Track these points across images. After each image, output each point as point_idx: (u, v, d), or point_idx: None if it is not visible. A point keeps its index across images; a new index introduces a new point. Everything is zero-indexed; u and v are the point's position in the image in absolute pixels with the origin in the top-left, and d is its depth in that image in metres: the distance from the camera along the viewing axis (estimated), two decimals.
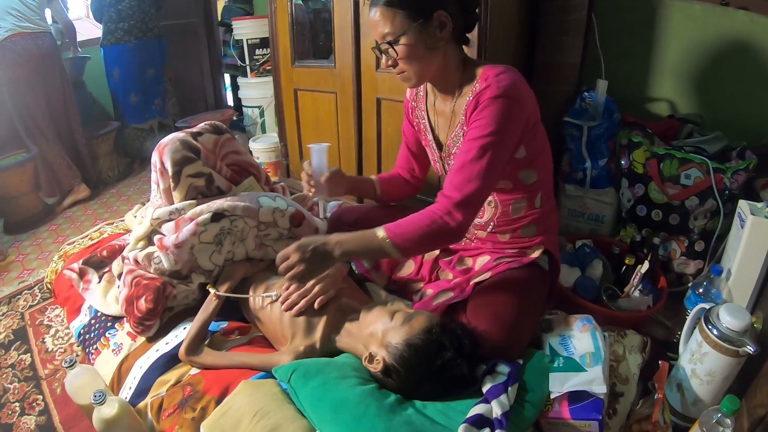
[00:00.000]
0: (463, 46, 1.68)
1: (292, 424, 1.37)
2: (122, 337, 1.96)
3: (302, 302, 1.69)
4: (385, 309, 1.57)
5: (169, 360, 1.79)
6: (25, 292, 2.90)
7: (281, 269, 1.51)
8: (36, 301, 2.79)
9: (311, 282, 1.71)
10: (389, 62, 1.59)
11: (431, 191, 2.22)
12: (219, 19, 5.38)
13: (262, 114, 4.55)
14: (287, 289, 1.75)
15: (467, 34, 1.67)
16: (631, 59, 2.56)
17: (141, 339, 1.92)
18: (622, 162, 2.42)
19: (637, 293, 2.05)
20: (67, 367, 1.67)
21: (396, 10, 1.50)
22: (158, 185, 2.06)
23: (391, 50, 1.55)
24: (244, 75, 4.54)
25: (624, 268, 2.15)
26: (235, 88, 4.99)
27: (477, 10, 1.68)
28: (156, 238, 1.99)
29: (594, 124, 2.45)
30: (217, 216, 1.89)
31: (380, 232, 1.50)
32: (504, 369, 1.43)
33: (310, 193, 1.92)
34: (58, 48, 3.98)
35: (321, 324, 1.68)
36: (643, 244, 2.34)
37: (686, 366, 1.57)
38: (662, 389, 1.44)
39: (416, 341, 1.41)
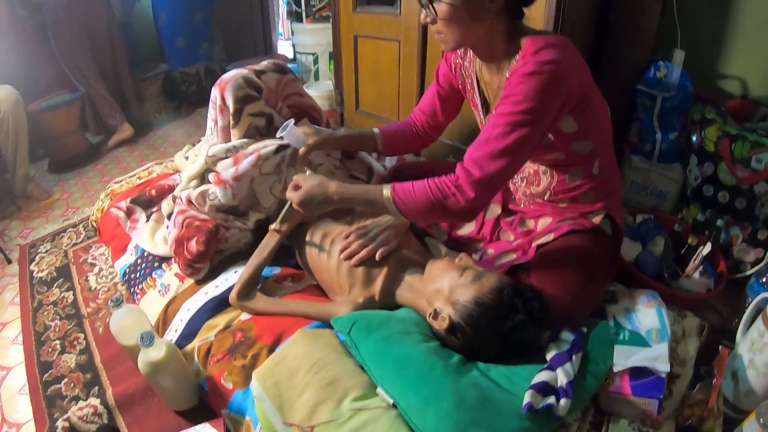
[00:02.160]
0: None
1: (352, 379, 1.32)
2: (170, 278, 1.92)
3: (363, 252, 1.63)
4: (453, 264, 1.49)
5: (219, 304, 1.74)
6: (70, 230, 2.90)
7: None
8: (80, 239, 2.78)
9: (373, 232, 1.65)
10: (428, 18, 1.43)
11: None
12: None
13: (316, 61, 4.49)
14: (347, 237, 1.69)
15: (524, 8, 1.48)
16: (707, 31, 2.42)
17: (189, 281, 1.88)
18: (694, 138, 2.33)
19: (697, 275, 1.98)
20: (112, 307, 1.64)
21: None
22: (216, 122, 2.01)
23: (432, 7, 1.39)
24: (299, 20, 4.47)
25: (686, 248, 2.08)
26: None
27: None
28: (211, 175, 1.94)
29: (668, 95, 2.34)
30: (280, 147, 1.85)
31: (386, 190, 1.44)
32: (568, 337, 1.38)
33: None
34: None
35: (381, 276, 1.61)
36: (705, 226, 2.24)
37: (744, 355, 1.49)
38: (721, 375, 1.40)
39: (486, 300, 1.35)
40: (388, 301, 1.60)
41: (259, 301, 1.66)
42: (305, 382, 1.30)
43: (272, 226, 1.72)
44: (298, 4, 4.37)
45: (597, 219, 1.65)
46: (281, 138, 1.77)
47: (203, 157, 1.99)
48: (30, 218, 3.15)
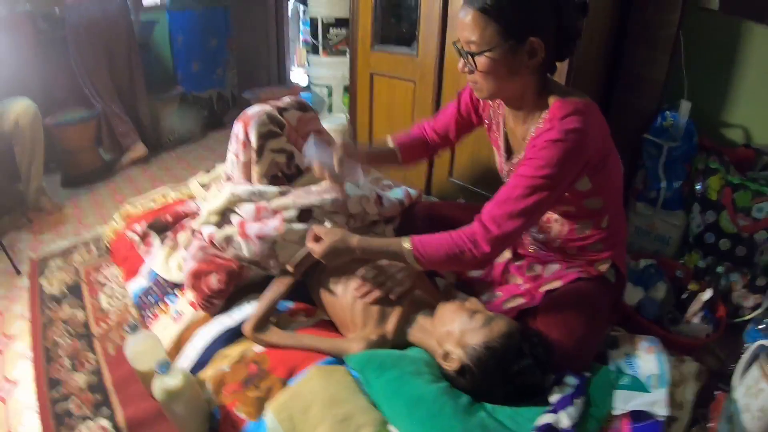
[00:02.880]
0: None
1: (365, 415, 1.37)
2: (183, 304, 1.96)
3: (378, 291, 1.68)
4: (463, 307, 1.55)
5: (232, 334, 1.79)
6: (81, 247, 2.90)
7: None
8: (92, 258, 2.78)
9: (389, 271, 1.71)
10: (466, 68, 1.49)
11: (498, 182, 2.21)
12: None
13: (330, 94, 4.55)
14: (363, 275, 1.74)
15: (557, 63, 1.55)
16: (712, 81, 2.49)
17: None
18: (697, 187, 2.39)
19: (697, 320, 2.03)
20: (129, 332, 1.68)
21: (489, 21, 1.37)
22: (237, 156, 2.05)
23: (471, 59, 1.44)
24: (315, 53, 4.53)
25: (687, 293, 2.13)
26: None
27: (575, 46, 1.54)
28: (236, 221, 1.97)
29: (674, 145, 2.41)
30: (305, 215, 1.89)
31: (406, 243, 1.52)
32: (572, 381, 1.43)
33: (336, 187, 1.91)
34: (127, 11, 4.03)
35: (395, 315, 1.66)
36: (706, 272, 2.31)
37: (740, 400, 1.51)
38: (716, 419, 1.46)
39: (496, 345, 1.40)
40: (400, 340, 1.65)
41: (273, 335, 1.71)
42: (319, 417, 1.35)
43: (287, 267, 1.78)
44: (316, 37, 4.43)
45: (603, 267, 1.71)
46: (310, 159, 1.80)
47: (226, 194, 2.02)
48: (40, 232, 3.15)
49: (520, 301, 1.72)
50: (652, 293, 2.14)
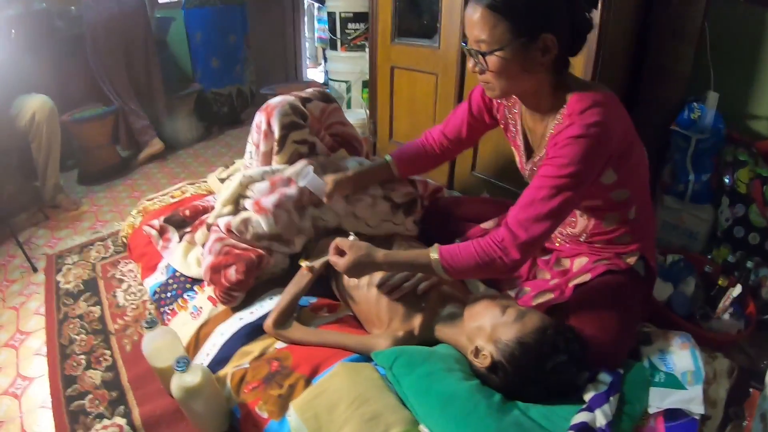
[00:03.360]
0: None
1: (394, 414, 1.32)
2: (202, 300, 1.92)
3: (405, 286, 1.64)
4: (495, 302, 1.50)
5: (253, 330, 1.75)
6: (98, 243, 2.90)
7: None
8: (108, 254, 2.78)
9: None
10: (477, 68, 1.45)
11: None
12: None
13: (349, 89, 4.52)
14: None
15: (570, 58, 1.50)
16: (739, 73, 2.45)
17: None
18: (726, 179, 2.35)
19: (727, 316, 2.00)
20: (146, 328, 1.64)
21: (500, 18, 1.33)
22: (258, 147, 2.04)
23: (482, 58, 1.39)
24: (334, 48, 4.51)
25: (716, 289, 2.10)
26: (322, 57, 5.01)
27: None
28: (249, 202, 1.95)
29: (702, 136, 2.37)
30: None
31: (434, 254, 1.48)
32: (606, 378, 1.41)
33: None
34: (144, 8, 4.04)
35: (421, 310, 1.62)
36: (735, 267, 2.27)
37: None
38: (752, 417, 1.43)
39: (529, 340, 1.36)
40: (427, 336, 1.61)
41: (295, 331, 1.66)
42: (346, 416, 1.30)
43: (305, 264, 1.73)
44: (334, 32, 4.41)
45: (631, 260, 1.67)
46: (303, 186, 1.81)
47: (238, 180, 2.01)
48: (57, 228, 3.16)
49: (550, 296, 1.67)
50: (681, 288, 2.10)
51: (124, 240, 2.54)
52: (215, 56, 4.73)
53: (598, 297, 1.58)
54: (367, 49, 3.74)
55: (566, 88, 1.46)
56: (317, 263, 1.70)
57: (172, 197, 2.61)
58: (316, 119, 2.14)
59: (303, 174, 1.79)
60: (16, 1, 3.59)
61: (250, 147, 2.13)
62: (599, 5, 1.46)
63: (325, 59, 4.75)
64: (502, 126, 1.82)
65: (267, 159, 2.03)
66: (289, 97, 2.04)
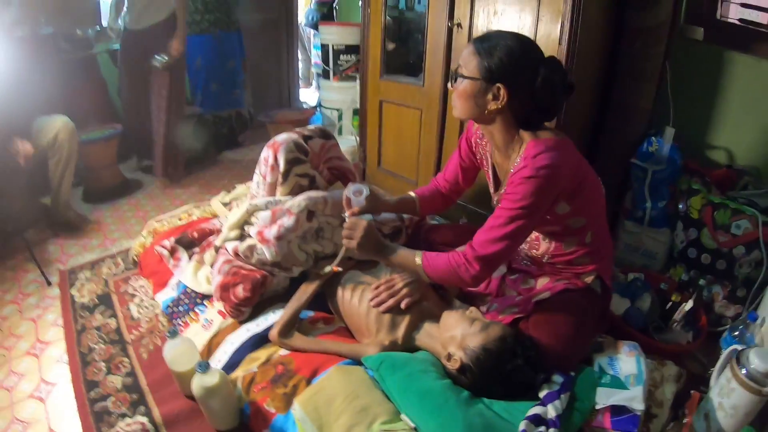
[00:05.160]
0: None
1: (380, 406, 1.63)
2: (212, 314, 2.19)
3: (390, 301, 1.94)
4: (464, 316, 1.81)
5: (259, 339, 2.03)
6: (108, 260, 3.03)
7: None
8: (119, 270, 2.91)
9: (400, 284, 1.96)
10: (451, 87, 1.76)
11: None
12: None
13: (340, 117, 4.75)
14: (377, 288, 1.99)
15: (532, 122, 1.75)
16: (697, 107, 2.70)
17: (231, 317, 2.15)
18: (680, 206, 2.57)
19: (679, 328, 2.24)
20: (169, 337, 1.88)
21: (477, 56, 1.65)
22: (265, 178, 2.31)
23: (455, 79, 1.72)
24: (327, 78, 4.74)
25: (670, 304, 2.32)
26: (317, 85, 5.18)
27: (554, 113, 1.79)
28: (254, 229, 2.21)
29: (658, 168, 2.60)
30: (311, 214, 2.16)
31: (418, 258, 1.79)
32: (558, 379, 1.68)
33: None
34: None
35: (404, 322, 1.92)
36: (689, 284, 2.51)
37: (714, 398, 1.72)
38: (691, 415, 1.69)
39: (492, 347, 1.66)
40: (409, 344, 1.92)
41: (297, 340, 1.97)
42: (341, 408, 1.60)
43: (328, 269, 2.09)
44: (327, 63, 4.64)
45: (589, 279, 1.92)
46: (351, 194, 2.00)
47: (245, 207, 2.28)
48: (67, 245, 3.30)
49: (514, 310, 1.92)
50: (638, 304, 2.32)
51: (135, 258, 2.75)
52: (215, 81, 4.95)
53: (555, 309, 1.83)
54: (358, 80, 3.97)
55: (523, 136, 1.74)
56: (338, 260, 2.03)
57: (180, 219, 2.86)
58: (316, 155, 2.43)
59: (356, 191, 1.98)
60: (23, 24, 3.65)
61: (257, 178, 2.41)
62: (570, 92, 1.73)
63: (319, 87, 4.95)
64: (478, 161, 2.08)
65: (272, 189, 2.33)
66: (293, 135, 2.34)
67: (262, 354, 1.97)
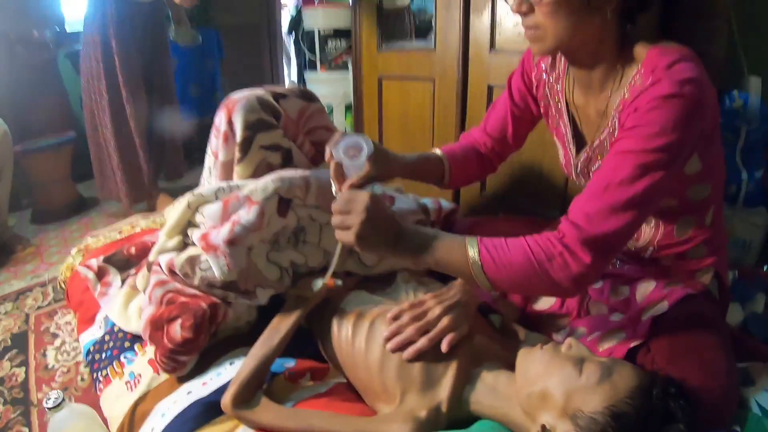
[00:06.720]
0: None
1: None
2: (141, 365, 1.33)
3: (423, 340, 1.06)
4: (561, 354, 0.95)
5: (207, 409, 1.14)
6: (37, 288, 2.38)
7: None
8: (47, 302, 2.27)
9: (436, 311, 1.10)
10: (523, 7, 1.03)
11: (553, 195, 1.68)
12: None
13: (330, 113, 4.03)
14: (397, 317, 1.11)
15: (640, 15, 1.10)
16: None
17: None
18: None
19: None
20: (50, 408, 1.16)
21: None
22: (216, 156, 1.49)
23: None
24: (313, 69, 4.05)
25: None
26: (301, 83, 4.53)
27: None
28: (197, 234, 1.35)
29: (752, 127, 1.96)
30: (284, 205, 1.30)
31: (472, 249, 1.00)
32: None
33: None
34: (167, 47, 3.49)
35: (449, 375, 1.03)
36: None
37: None
38: None
39: (627, 409, 0.85)
40: (460, 413, 1.03)
41: (265, 410, 1.06)
42: None
43: (319, 284, 1.24)
44: (313, 51, 3.94)
45: (706, 279, 1.24)
46: (341, 155, 1.15)
47: (185, 201, 1.43)
48: None
49: (622, 336, 1.18)
50: (749, 308, 1.68)
51: (62, 285, 1.94)
52: (193, 83, 4.23)
53: (687, 331, 1.11)
54: (350, 67, 3.28)
55: (633, 44, 1.07)
56: (333, 267, 1.16)
57: (120, 233, 2.02)
58: (293, 121, 1.58)
59: (345, 146, 1.14)
60: None
61: (209, 160, 1.58)
62: None
63: (304, 81, 4.26)
64: (542, 109, 1.37)
65: (227, 170, 1.48)
66: (258, 90, 1.50)
67: None
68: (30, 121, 3.30)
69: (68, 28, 3.94)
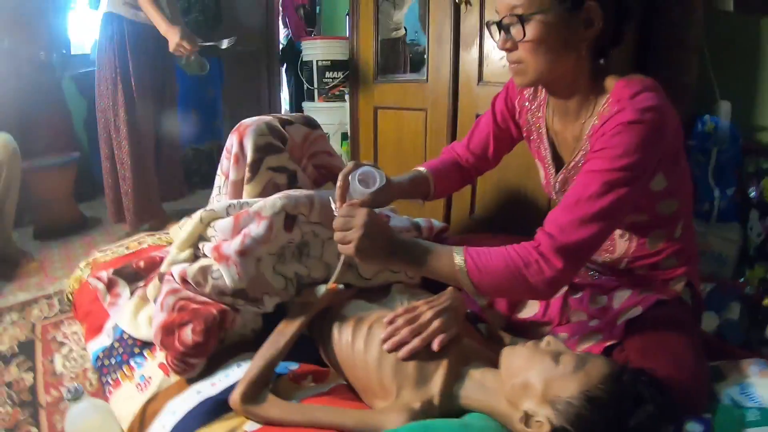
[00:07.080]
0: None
1: None
2: (152, 368, 1.40)
3: (416, 341, 1.14)
4: (541, 349, 1.04)
5: (216, 407, 1.21)
6: (42, 300, 2.39)
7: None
8: (53, 313, 2.28)
9: (428, 315, 1.18)
10: (508, 44, 1.15)
11: (537, 216, 1.75)
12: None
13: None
14: (392, 322, 1.20)
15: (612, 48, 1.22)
16: (743, 81, 2.19)
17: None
18: (751, 193, 2.08)
19: None
20: (69, 399, 1.27)
21: None
22: (227, 176, 1.59)
23: (518, 27, 1.09)
24: (311, 99, 4.06)
25: (762, 310, 1.87)
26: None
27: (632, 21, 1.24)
28: (209, 246, 1.44)
29: (722, 148, 2.07)
30: (290, 221, 1.39)
31: (458, 257, 1.10)
32: (696, 428, 1.06)
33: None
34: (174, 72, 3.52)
35: (440, 371, 1.12)
36: None
37: None
38: None
39: (599, 393, 0.93)
40: (451, 405, 1.11)
41: (271, 406, 1.13)
42: None
43: (322, 289, 1.32)
44: (311, 82, 3.96)
45: (678, 287, 1.34)
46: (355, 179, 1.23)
47: (197, 216, 1.52)
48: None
49: (598, 337, 1.27)
50: (725, 316, 1.83)
51: (70, 297, 1.98)
52: (194, 108, 4.22)
53: (658, 330, 1.21)
54: (347, 97, 3.36)
55: (605, 76, 1.19)
56: (336, 275, 1.26)
57: (128, 248, 2.08)
58: (298, 146, 1.69)
59: (365, 174, 1.23)
60: None
61: (218, 180, 1.68)
62: None
63: (302, 111, 4.25)
64: (524, 134, 1.48)
65: (237, 189, 1.57)
66: (266, 117, 1.61)
67: (219, 429, 1.15)
68: (34, 139, 3.30)
69: (73, 51, 4.02)
